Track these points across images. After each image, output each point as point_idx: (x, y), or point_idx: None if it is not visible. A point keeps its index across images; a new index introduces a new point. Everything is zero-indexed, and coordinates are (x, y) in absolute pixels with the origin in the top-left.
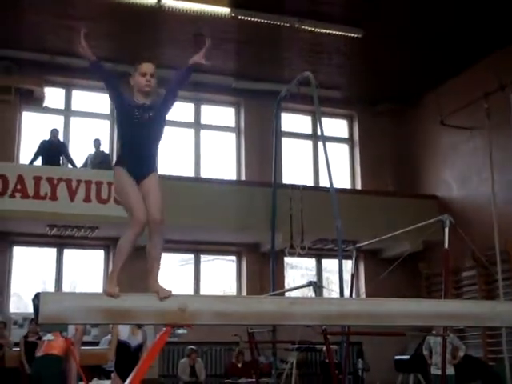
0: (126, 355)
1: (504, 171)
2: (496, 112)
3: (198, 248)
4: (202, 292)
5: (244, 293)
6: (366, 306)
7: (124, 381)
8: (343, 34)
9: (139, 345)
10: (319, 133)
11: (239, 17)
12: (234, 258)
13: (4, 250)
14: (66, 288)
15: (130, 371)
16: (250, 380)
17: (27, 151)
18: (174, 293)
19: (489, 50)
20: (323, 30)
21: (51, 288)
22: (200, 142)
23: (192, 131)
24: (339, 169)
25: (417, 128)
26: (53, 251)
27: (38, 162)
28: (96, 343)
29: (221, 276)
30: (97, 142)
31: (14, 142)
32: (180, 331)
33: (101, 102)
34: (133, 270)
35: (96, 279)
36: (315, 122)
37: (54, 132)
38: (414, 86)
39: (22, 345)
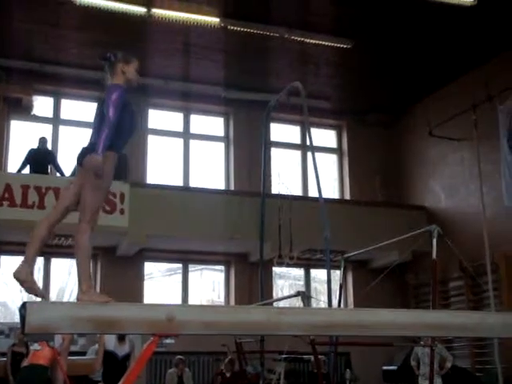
0: (113, 365)
1: (491, 182)
2: (484, 123)
3: (186, 257)
4: (190, 302)
5: (232, 302)
6: (354, 316)
7: None
8: (332, 44)
9: (126, 354)
10: (308, 143)
11: (228, 27)
12: (222, 267)
13: None
14: (53, 297)
15: (117, 381)
16: None
17: (15, 160)
18: (161, 302)
19: (477, 61)
20: (312, 41)
21: (38, 298)
22: (189, 152)
23: (181, 141)
24: (328, 179)
25: (405, 138)
26: (40, 260)
27: (26, 170)
28: (83, 353)
29: (209, 286)
30: None
31: (1, 150)
32: (167, 341)
33: (89, 110)
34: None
35: None
36: (304, 132)
37: (43, 140)
38: (402, 97)
39: (9, 355)
